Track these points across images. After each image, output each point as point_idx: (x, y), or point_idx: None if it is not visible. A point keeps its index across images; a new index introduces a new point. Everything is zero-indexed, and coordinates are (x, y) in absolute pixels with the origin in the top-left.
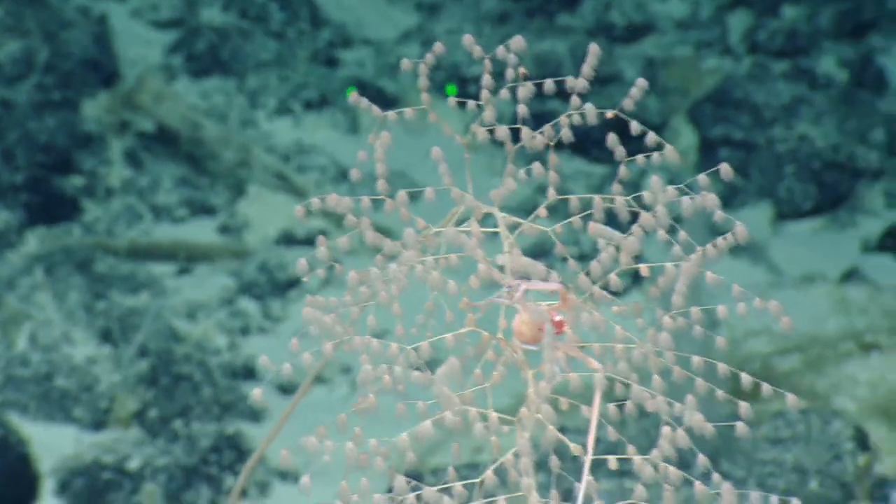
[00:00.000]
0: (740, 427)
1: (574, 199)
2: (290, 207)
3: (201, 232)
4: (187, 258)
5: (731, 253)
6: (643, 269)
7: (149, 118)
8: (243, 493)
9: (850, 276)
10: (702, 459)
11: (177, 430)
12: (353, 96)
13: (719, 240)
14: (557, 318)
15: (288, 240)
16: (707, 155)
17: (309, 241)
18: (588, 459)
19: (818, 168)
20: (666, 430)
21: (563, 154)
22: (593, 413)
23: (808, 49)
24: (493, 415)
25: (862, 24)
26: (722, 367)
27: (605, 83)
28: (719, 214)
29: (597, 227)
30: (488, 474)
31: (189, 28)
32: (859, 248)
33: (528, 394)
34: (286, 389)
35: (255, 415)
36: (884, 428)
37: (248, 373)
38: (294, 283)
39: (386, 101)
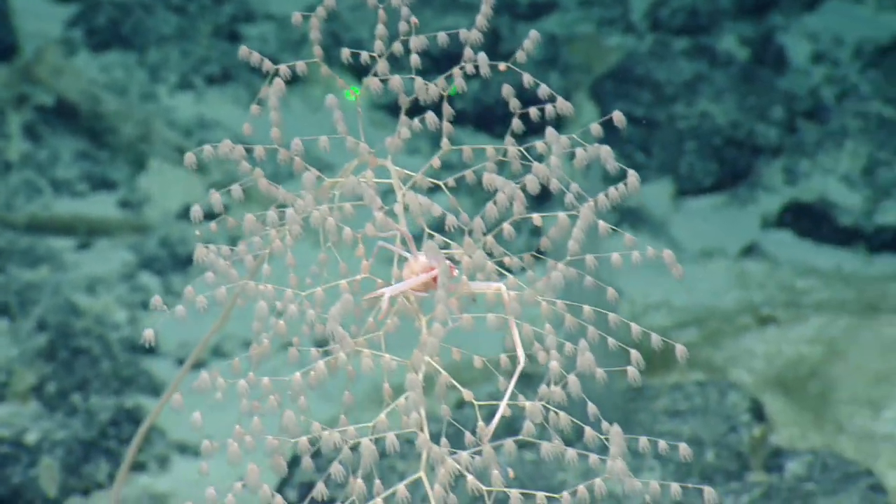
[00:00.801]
0: (630, 372)
1: (467, 150)
2: (191, 182)
3: (101, 206)
4: (87, 233)
5: (632, 228)
6: (535, 218)
7: (48, 92)
8: (141, 467)
9: (749, 251)
10: (591, 408)
11: (75, 404)
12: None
13: (611, 189)
14: (449, 265)
15: (189, 214)
16: (608, 131)
17: (210, 216)
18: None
19: (719, 145)
20: (553, 365)
21: (466, 131)
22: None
23: (709, 27)
24: (386, 357)
25: (762, 2)
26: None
27: (508, 59)
28: (612, 164)
29: (490, 177)
30: (381, 418)
31: (89, 2)
32: (759, 224)
33: (421, 338)
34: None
35: (155, 389)
36: (780, 400)
37: (149, 347)
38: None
39: (289, 76)
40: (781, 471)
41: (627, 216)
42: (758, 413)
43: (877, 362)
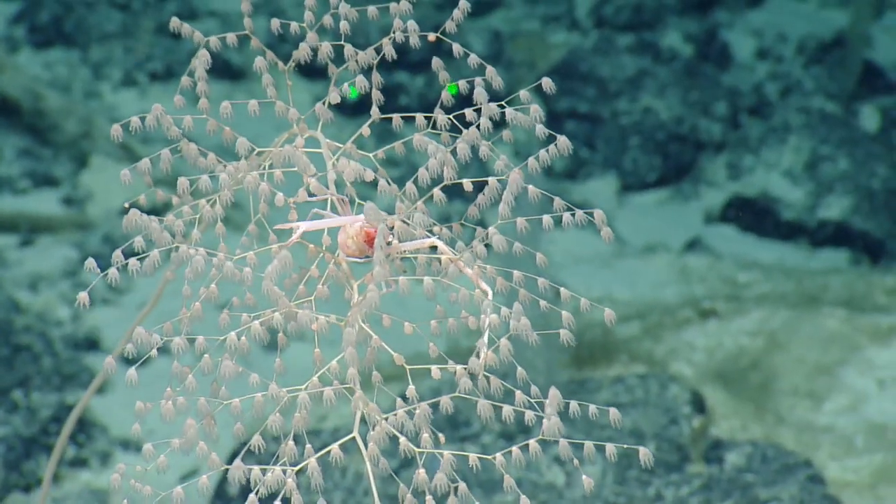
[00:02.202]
0: (564, 334)
1: (397, 118)
2: (134, 179)
3: (44, 203)
4: (30, 230)
5: (576, 224)
6: (465, 183)
7: None
8: (83, 463)
9: (692, 245)
10: (520, 372)
11: (16, 401)
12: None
13: (542, 152)
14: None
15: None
16: (553, 127)
17: (153, 212)
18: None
19: (662, 140)
20: (493, 318)
21: (411, 126)
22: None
23: (653, 24)
24: (321, 317)
25: None
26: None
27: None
28: (540, 128)
29: (421, 139)
30: (314, 380)
31: None
32: (702, 218)
33: (354, 301)
34: (130, 361)
35: (105, 388)
36: (720, 392)
37: (91, 344)
38: (138, 254)
39: (232, 72)
40: (721, 462)
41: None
42: (698, 405)
43: (817, 354)
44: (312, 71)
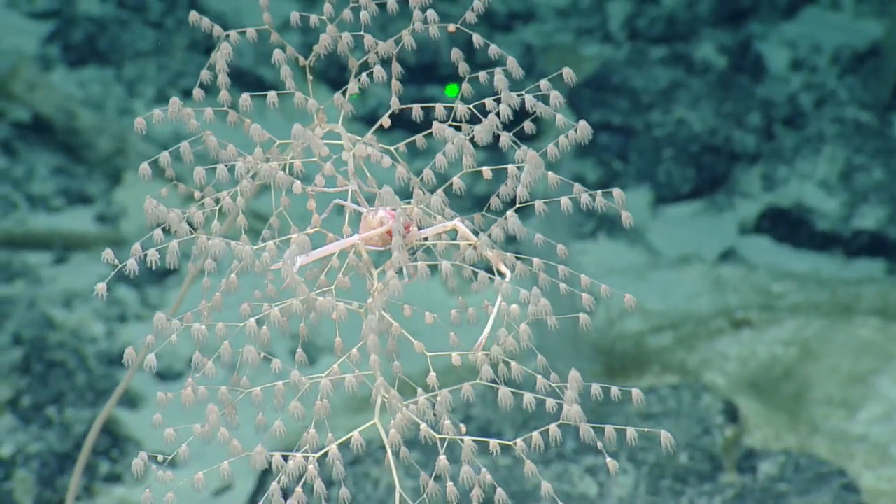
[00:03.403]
0: (582, 318)
1: (417, 108)
2: (168, 195)
3: (78, 221)
4: (64, 247)
5: (609, 236)
6: (485, 171)
7: (24, 108)
8: (117, 479)
9: (726, 257)
10: (541, 360)
11: (50, 417)
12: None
13: (561, 137)
14: (404, 221)
15: (165, 228)
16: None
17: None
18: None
19: (696, 151)
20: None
21: (440, 142)
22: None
23: (687, 35)
24: (340, 305)
25: (741, 11)
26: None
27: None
28: (560, 118)
29: (439, 127)
30: (335, 368)
31: (66, 18)
32: (736, 230)
33: (374, 287)
34: (163, 376)
35: (132, 401)
36: (754, 401)
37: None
38: (171, 270)
39: (264, 88)
40: (754, 472)
41: (604, 223)
42: (731, 415)
43: (851, 363)
44: (337, 82)
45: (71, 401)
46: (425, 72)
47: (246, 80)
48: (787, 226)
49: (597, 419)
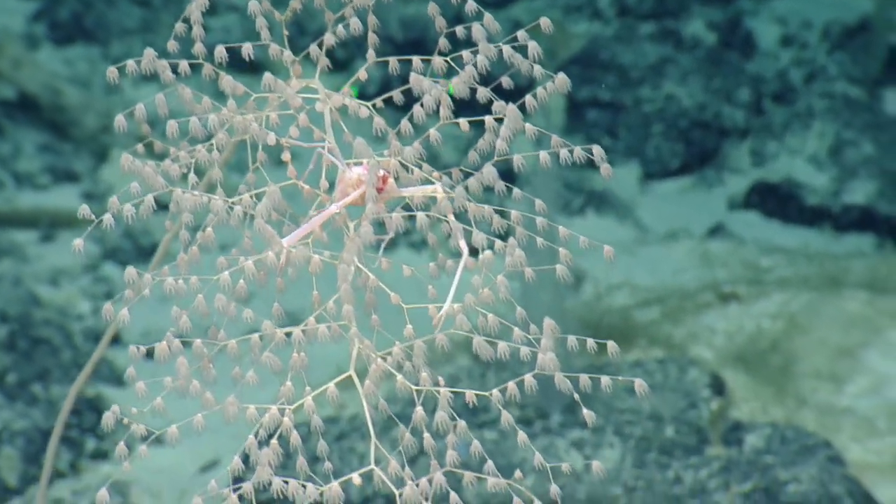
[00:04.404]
0: (559, 269)
1: (394, 62)
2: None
3: (64, 198)
4: (50, 225)
5: (597, 212)
6: (462, 123)
7: (10, 86)
8: (104, 455)
9: (715, 232)
10: (520, 312)
11: (35, 394)
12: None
13: (539, 90)
14: (380, 174)
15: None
16: (574, 115)
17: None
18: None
19: (685, 127)
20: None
21: (431, 119)
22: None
23: (676, 12)
24: (317, 256)
25: None
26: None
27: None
28: (538, 69)
29: (417, 78)
30: (310, 321)
31: None
32: (725, 205)
33: (350, 237)
34: (152, 354)
35: (117, 378)
36: (740, 375)
37: (112, 337)
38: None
39: (253, 66)
40: (741, 444)
41: (593, 199)
42: (718, 388)
43: (839, 336)
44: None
45: (56, 378)
46: (414, 47)
47: (231, 57)
48: (776, 201)
49: (584, 393)
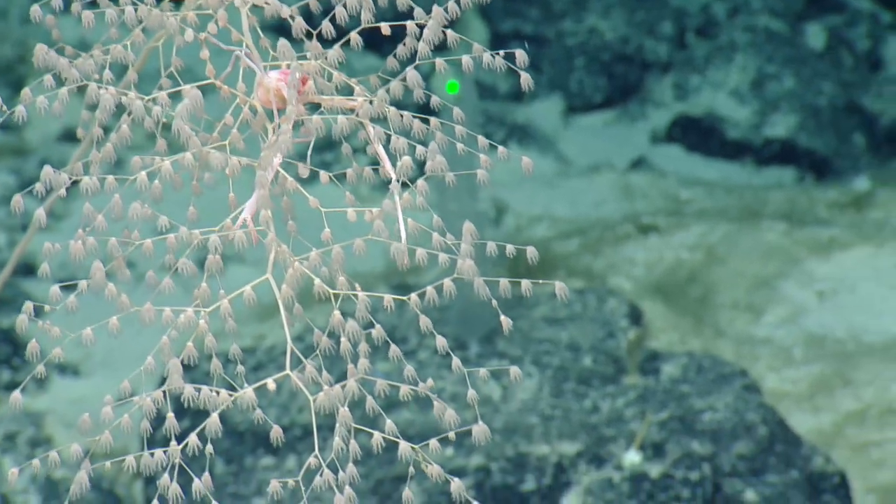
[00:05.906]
0: (480, 175)
1: None
2: (73, 103)
3: None
4: None
5: (520, 144)
6: (383, 27)
7: None
8: (18, 386)
9: (637, 165)
10: (436, 220)
11: None
12: None
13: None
14: (300, 76)
15: (70, 137)
16: (497, 49)
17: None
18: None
19: (608, 61)
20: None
21: (355, 52)
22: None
23: None
24: (234, 160)
25: None
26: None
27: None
28: None
29: None
30: (226, 223)
31: None
32: (648, 138)
33: (269, 141)
34: (68, 287)
35: (36, 310)
36: (659, 305)
37: (28, 269)
38: (76, 180)
39: None
40: (657, 374)
41: (516, 132)
42: (636, 318)
43: (757, 267)
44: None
45: None
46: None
47: None
48: (698, 134)
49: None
